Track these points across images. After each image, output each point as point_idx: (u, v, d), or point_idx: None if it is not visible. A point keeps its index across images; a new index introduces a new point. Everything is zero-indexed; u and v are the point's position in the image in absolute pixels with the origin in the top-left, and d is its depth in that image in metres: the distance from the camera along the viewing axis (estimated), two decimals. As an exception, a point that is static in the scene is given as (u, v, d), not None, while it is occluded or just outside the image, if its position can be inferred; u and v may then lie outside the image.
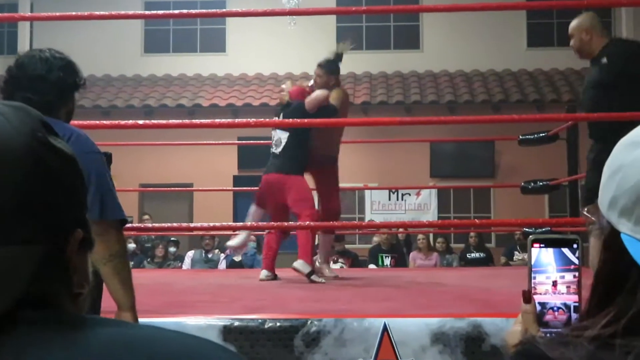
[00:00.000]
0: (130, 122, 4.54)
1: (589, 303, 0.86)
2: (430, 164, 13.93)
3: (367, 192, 13.79)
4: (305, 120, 5.31)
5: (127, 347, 0.73)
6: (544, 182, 6.89)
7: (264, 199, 5.59)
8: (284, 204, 5.48)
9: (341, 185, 5.96)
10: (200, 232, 9.75)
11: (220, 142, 10.72)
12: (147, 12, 4.59)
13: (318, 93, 5.56)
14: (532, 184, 6.99)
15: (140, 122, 4.84)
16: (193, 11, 4.08)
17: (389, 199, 14.06)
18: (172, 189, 10.74)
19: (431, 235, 11.13)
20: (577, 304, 1.03)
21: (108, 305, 2.41)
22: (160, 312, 3.05)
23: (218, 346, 0.79)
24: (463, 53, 14.90)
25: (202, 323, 2.72)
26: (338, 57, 5.93)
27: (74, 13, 4.60)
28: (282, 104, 5.80)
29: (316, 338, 2.68)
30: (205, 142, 10.30)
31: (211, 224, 5.57)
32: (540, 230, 5.80)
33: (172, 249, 10.65)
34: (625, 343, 0.78)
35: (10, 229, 0.73)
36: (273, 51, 15.05)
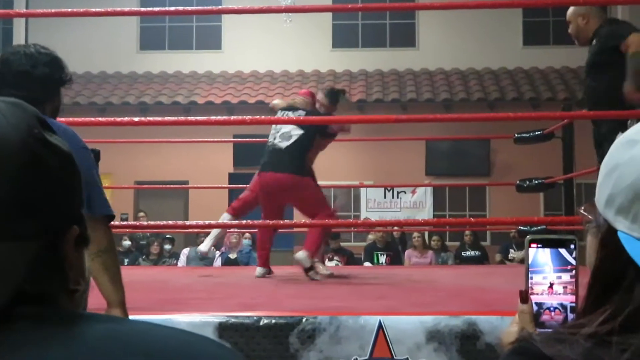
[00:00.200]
0: (126, 119, 4.53)
1: (585, 301, 0.87)
2: (425, 162, 13.94)
3: (362, 190, 13.79)
4: (301, 117, 5.31)
5: (123, 343, 0.73)
6: (540, 181, 6.90)
7: (267, 197, 5.40)
8: (289, 204, 5.44)
9: (337, 183, 5.98)
10: (196, 230, 9.74)
11: (215, 139, 10.70)
12: (142, 9, 4.59)
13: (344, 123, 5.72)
14: (528, 182, 6.99)
15: (136, 119, 4.83)
16: (189, 8, 4.08)
17: (385, 197, 14.07)
18: (168, 186, 10.74)
19: (426, 233, 11.15)
20: (573, 305, 1.03)
21: (97, 302, 2.41)
22: (155, 310, 3.05)
23: (214, 342, 0.79)
24: (459, 51, 14.90)
25: (198, 320, 2.72)
26: (339, 92, 5.89)
27: (69, 10, 4.58)
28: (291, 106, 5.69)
29: (311, 335, 2.68)
30: (200, 139, 10.29)
31: (206, 222, 5.56)
32: (535, 228, 5.80)
33: (167, 247, 10.65)
34: (621, 340, 0.78)
35: (6, 225, 0.73)
36: (269, 49, 15.04)
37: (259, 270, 5.49)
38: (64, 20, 13.41)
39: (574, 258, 1.04)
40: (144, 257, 10.75)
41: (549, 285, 1.04)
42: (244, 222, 5.48)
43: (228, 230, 9.10)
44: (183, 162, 13.50)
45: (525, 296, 1.05)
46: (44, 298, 0.76)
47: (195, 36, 15.61)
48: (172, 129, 11.12)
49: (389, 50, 15.37)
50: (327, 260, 10.13)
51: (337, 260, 9.85)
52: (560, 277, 1.04)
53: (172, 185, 10.92)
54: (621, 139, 0.87)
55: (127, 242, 10.99)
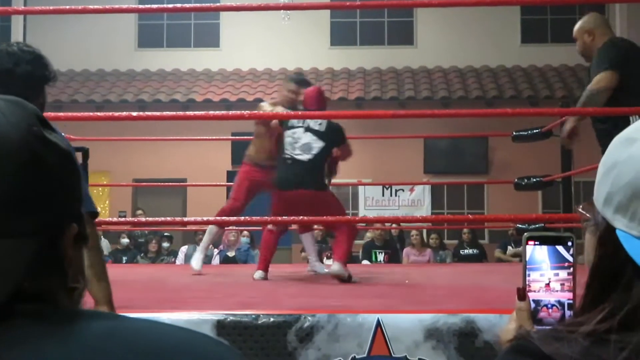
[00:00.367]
0: (124, 113, 4.53)
1: (583, 299, 0.87)
2: (424, 160, 13.94)
3: (360, 188, 13.79)
4: (293, 113, 5.28)
5: (121, 340, 0.73)
6: (538, 179, 6.90)
7: (287, 211, 5.01)
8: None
9: (335, 180, 5.91)
10: (194, 227, 9.74)
11: (213, 137, 10.70)
12: (140, 6, 4.59)
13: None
14: (526, 181, 7.00)
15: (134, 114, 4.83)
16: (187, 5, 4.08)
17: (383, 195, 14.07)
18: (166, 184, 10.73)
19: (425, 232, 11.16)
20: (571, 302, 1.03)
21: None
22: (153, 307, 3.04)
23: (213, 339, 0.79)
24: (457, 49, 14.91)
25: (196, 318, 2.71)
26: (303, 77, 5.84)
27: (67, 7, 4.58)
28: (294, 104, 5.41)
29: (309, 333, 2.68)
30: (199, 137, 10.28)
31: (204, 219, 5.56)
32: (533, 226, 5.81)
33: (165, 244, 10.66)
34: (620, 339, 0.78)
35: (5, 222, 0.73)
36: (267, 46, 15.03)
37: (259, 273, 5.19)
38: (62, 17, 13.41)
39: (572, 255, 1.04)
40: (142, 254, 10.76)
41: (546, 282, 1.04)
42: (242, 218, 5.44)
43: (226, 228, 9.10)
44: (181, 159, 13.50)
45: (522, 293, 1.05)
46: (43, 296, 0.76)
47: (193, 34, 15.60)
48: (170, 127, 11.10)
49: (387, 48, 15.37)
50: (325, 258, 10.14)
51: (335, 258, 9.83)
52: (557, 275, 1.04)
53: (170, 183, 10.91)
54: (620, 137, 0.87)
55: (125, 240, 10.99)
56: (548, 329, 0.88)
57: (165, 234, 10.80)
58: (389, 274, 5.96)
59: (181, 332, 0.77)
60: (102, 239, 11.32)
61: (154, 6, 4.63)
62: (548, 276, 1.04)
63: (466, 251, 10.85)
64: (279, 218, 5.10)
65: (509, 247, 10.76)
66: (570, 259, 1.04)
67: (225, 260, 9.40)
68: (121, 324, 0.76)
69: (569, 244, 1.04)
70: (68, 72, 15.16)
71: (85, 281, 0.83)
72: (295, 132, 5.11)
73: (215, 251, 9.73)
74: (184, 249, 10.08)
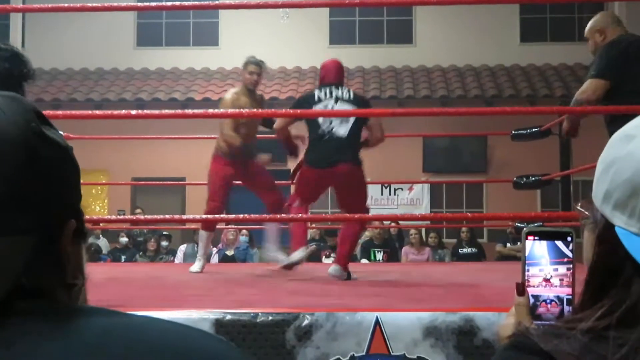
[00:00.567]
0: (123, 112, 4.53)
1: (582, 296, 0.87)
2: (422, 158, 13.94)
3: (359, 187, 13.78)
4: (292, 111, 5.28)
5: (120, 337, 0.73)
6: (537, 177, 6.90)
7: (320, 188, 4.98)
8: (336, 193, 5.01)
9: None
10: (193, 226, 9.74)
11: (212, 136, 10.66)
12: (139, 4, 4.58)
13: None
14: (525, 179, 7.00)
15: (133, 112, 4.82)
16: (186, 3, 4.08)
17: (382, 194, 14.07)
18: (165, 182, 10.73)
19: (423, 230, 11.15)
20: (570, 297, 1.03)
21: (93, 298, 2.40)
22: (152, 306, 3.04)
23: (213, 336, 0.79)
24: (456, 48, 14.91)
25: (194, 316, 2.71)
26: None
27: (66, 5, 4.58)
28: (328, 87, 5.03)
29: (308, 332, 2.68)
30: (197, 136, 10.27)
31: (203, 216, 5.56)
32: (532, 225, 5.81)
33: (164, 243, 10.66)
34: (619, 335, 0.78)
35: (4, 219, 0.73)
36: (266, 45, 15.00)
37: (297, 254, 4.85)
38: (61, 16, 13.40)
39: (571, 251, 1.04)
40: (141, 253, 10.75)
41: (545, 277, 1.04)
42: (241, 216, 5.43)
43: (225, 227, 9.11)
44: (180, 158, 13.49)
45: (521, 289, 1.05)
46: (41, 292, 0.76)
47: (192, 33, 15.60)
48: (169, 125, 11.10)
49: (386, 47, 15.37)
50: (324, 257, 10.14)
51: (334, 257, 9.84)
52: (556, 270, 1.04)
53: (169, 182, 10.91)
54: (618, 133, 0.87)
55: (124, 239, 10.99)
56: (547, 325, 0.88)
57: (164, 232, 10.80)
58: (388, 272, 5.96)
59: (182, 329, 0.77)
60: (101, 237, 11.33)
61: (153, 4, 4.62)
62: (547, 271, 1.04)
63: (465, 250, 10.86)
64: (278, 216, 5.09)
65: (508, 245, 10.79)
66: (570, 254, 1.04)
67: (224, 259, 9.40)
68: (120, 320, 0.76)
69: (569, 239, 1.04)
70: (67, 70, 15.17)
71: (85, 278, 0.83)
72: (327, 104, 4.92)
73: (214, 250, 9.73)
74: (182, 247, 10.08)
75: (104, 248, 11.11)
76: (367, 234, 10.59)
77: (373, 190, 14.06)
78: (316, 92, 5.04)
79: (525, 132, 7.03)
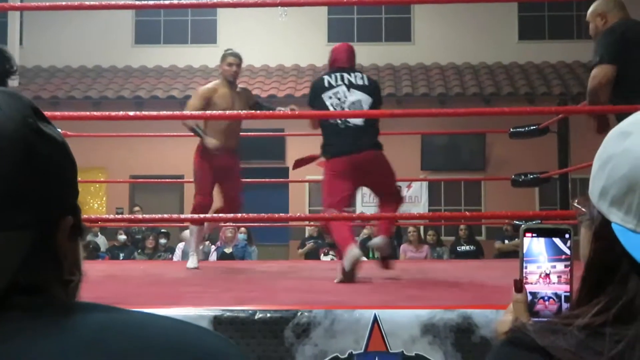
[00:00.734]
0: (121, 113, 4.53)
1: (579, 293, 0.87)
2: (421, 156, 13.94)
3: (357, 184, 13.78)
4: (289, 112, 5.26)
5: (118, 333, 0.73)
6: (535, 175, 6.91)
7: (357, 180, 4.68)
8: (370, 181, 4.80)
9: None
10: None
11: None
12: (137, 2, 4.57)
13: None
14: (523, 177, 7.01)
15: (131, 113, 4.82)
16: (184, 1, 4.08)
17: (380, 192, 14.05)
18: (163, 180, 10.73)
19: (422, 228, 11.16)
20: (567, 294, 1.03)
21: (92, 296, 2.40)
22: (150, 303, 3.05)
23: (211, 332, 0.79)
24: (454, 46, 14.91)
25: (193, 314, 2.72)
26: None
27: (64, 3, 4.57)
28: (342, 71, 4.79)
29: (306, 329, 2.68)
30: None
31: (202, 215, 5.55)
32: (530, 222, 5.81)
33: (162, 241, 10.65)
34: (615, 332, 0.78)
35: (0, 215, 0.73)
36: (264, 43, 15.02)
37: (354, 250, 4.39)
38: (59, 13, 13.39)
39: (569, 248, 1.04)
40: (139, 251, 10.75)
41: (543, 274, 1.04)
42: (239, 215, 5.43)
43: (223, 224, 9.10)
44: (178, 156, 13.44)
45: (519, 285, 1.05)
46: (38, 288, 0.76)
47: (190, 30, 15.59)
48: (167, 123, 11.08)
49: (384, 44, 15.37)
50: (322, 254, 10.15)
51: (332, 255, 9.85)
52: (554, 267, 1.04)
53: (167, 180, 10.91)
54: (615, 130, 0.87)
55: (122, 237, 10.99)
56: (544, 321, 0.89)
57: (163, 230, 10.80)
58: (386, 270, 5.95)
59: (179, 325, 0.77)
60: (99, 235, 11.33)
61: (151, 2, 4.62)
62: (545, 268, 1.04)
63: (463, 248, 10.87)
64: (276, 215, 5.08)
65: (506, 242, 10.80)
66: (568, 251, 1.04)
67: (222, 256, 9.40)
68: (118, 317, 0.76)
69: (566, 236, 1.04)
70: (65, 68, 15.15)
71: (81, 274, 0.83)
72: (338, 91, 4.66)
73: (213, 247, 9.74)
74: (181, 245, 10.07)
75: (102, 246, 11.11)
76: (365, 232, 10.59)
77: (371, 188, 14.07)
78: (325, 78, 4.74)
79: (523, 130, 7.03)
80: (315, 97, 4.72)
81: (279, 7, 10.80)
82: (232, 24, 14.98)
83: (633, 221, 0.81)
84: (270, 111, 5.68)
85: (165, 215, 4.94)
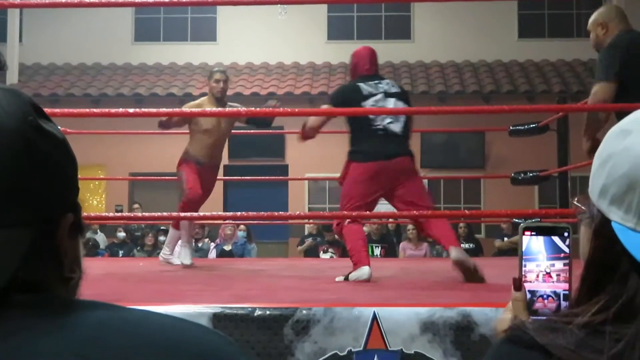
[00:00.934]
0: (121, 110, 4.53)
1: (579, 291, 0.87)
2: (420, 154, 13.92)
3: (357, 182, 13.77)
4: (289, 110, 5.26)
5: (117, 330, 0.73)
6: (534, 173, 6.91)
7: (376, 187, 4.54)
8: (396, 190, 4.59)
9: (330, 175, 5.89)
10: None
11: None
12: (136, 0, 4.57)
13: None
14: (522, 175, 7.01)
15: (131, 110, 4.81)
16: (184, -1, 4.08)
17: (379, 189, 14.05)
18: (163, 177, 10.70)
19: (421, 226, 11.14)
20: (567, 292, 1.03)
21: (92, 294, 2.40)
22: (150, 301, 3.05)
23: (210, 330, 0.79)
24: (454, 43, 14.90)
25: (192, 311, 2.72)
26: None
27: (63, 0, 4.57)
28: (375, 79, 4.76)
29: (306, 327, 2.68)
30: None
31: (201, 214, 5.56)
32: (529, 221, 5.81)
33: (162, 238, 10.64)
34: (615, 330, 0.78)
35: (0, 212, 0.73)
36: (264, 41, 15.01)
37: (367, 269, 4.29)
38: (59, 11, 13.36)
39: (568, 246, 1.04)
40: (138, 248, 10.75)
41: (542, 273, 1.04)
42: (238, 214, 5.43)
43: (223, 223, 9.10)
44: (178, 153, 13.42)
45: (518, 284, 1.05)
46: (38, 286, 0.76)
47: (190, 28, 15.58)
48: (167, 120, 11.09)
49: (384, 42, 15.35)
50: (321, 252, 10.15)
51: (332, 252, 9.86)
52: (553, 265, 1.04)
53: (167, 177, 10.87)
54: (615, 129, 0.87)
55: (121, 234, 10.99)
56: (543, 319, 0.89)
57: (162, 227, 10.79)
58: (385, 268, 5.96)
59: (178, 323, 0.77)
60: (99, 232, 11.33)
61: (150, 0, 4.62)
62: (544, 267, 1.04)
63: (462, 246, 10.84)
64: (276, 214, 5.08)
65: (505, 239, 10.81)
66: (567, 249, 1.04)
67: (221, 254, 9.41)
68: (117, 314, 0.76)
69: (566, 234, 1.04)
70: (64, 65, 15.14)
71: (82, 271, 0.83)
72: (378, 100, 4.60)
73: (212, 245, 9.74)
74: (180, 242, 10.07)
75: (102, 243, 11.11)
76: (364, 229, 10.59)
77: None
78: (363, 87, 4.67)
79: (523, 127, 7.04)
80: (347, 104, 4.63)
81: (279, 5, 10.81)
82: (232, 21, 14.97)
83: (633, 220, 0.81)
84: (266, 115, 5.67)
85: (165, 214, 4.94)
